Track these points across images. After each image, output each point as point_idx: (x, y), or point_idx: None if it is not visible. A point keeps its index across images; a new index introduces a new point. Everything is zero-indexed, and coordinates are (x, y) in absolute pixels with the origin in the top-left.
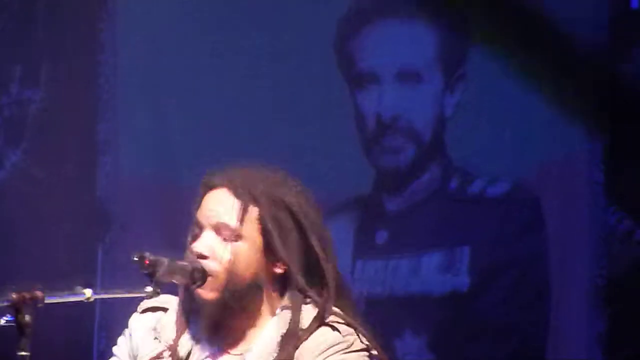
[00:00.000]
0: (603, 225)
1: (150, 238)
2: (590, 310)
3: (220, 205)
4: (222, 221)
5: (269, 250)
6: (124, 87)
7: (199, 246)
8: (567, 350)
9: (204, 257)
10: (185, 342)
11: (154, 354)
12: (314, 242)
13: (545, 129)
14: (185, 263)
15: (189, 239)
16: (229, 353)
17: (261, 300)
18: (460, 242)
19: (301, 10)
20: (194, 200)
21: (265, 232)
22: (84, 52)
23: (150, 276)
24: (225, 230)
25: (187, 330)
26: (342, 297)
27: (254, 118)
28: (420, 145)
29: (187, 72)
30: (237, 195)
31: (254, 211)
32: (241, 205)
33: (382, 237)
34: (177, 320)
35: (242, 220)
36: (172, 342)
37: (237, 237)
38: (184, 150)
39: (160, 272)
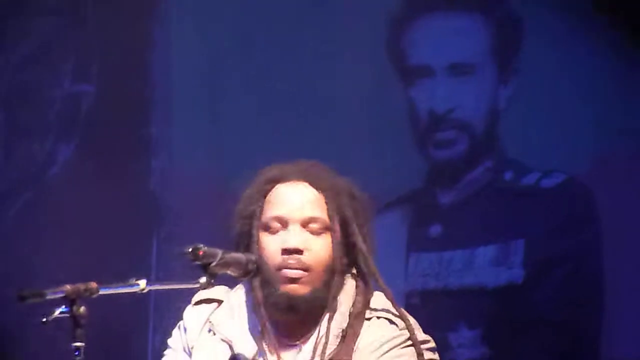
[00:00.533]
0: None
1: (203, 231)
2: None
3: (305, 199)
4: (312, 215)
5: (349, 241)
6: (177, 86)
7: (294, 241)
8: (622, 347)
9: (300, 251)
10: (244, 337)
11: (210, 348)
12: (369, 236)
13: (600, 123)
14: (239, 254)
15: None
16: (287, 345)
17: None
18: (514, 235)
19: (352, 6)
20: (251, 193)
21: (345, 224)
22: (136, 50)
23: (204, 268)
24: (314, 224)
25: (246, 324)
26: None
27: (306, 115)
28: (473, 138)
29: (239, 70)
30: (319, 188)
31: (335, 204)
32: (325, 197)
33: (435, 230)
34: (234, 315)
35: (329, 214)
36: (230, 337)
37: (326, 229)
38: (236, 148)
39: (214, 263)
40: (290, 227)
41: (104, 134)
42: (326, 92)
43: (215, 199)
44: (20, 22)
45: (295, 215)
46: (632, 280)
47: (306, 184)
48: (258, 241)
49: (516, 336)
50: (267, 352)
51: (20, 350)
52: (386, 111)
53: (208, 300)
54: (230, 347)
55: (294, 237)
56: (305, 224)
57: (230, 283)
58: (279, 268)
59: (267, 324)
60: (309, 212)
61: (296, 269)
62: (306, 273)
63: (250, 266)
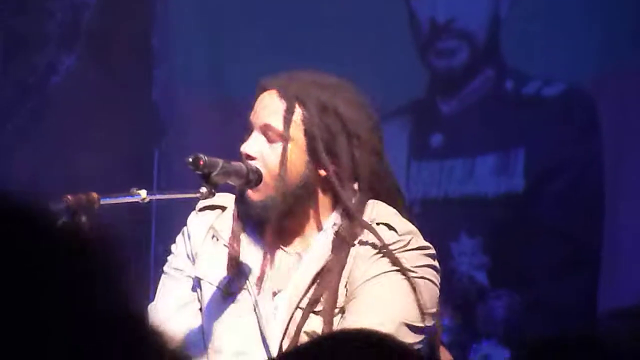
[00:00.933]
0: None
1: (205, 143)
2: None
3: (267, 107)
4: (268, 122)
5: (314, 152)
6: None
7: (246, 147)
8: (622, 258)
9: (251, 158)
10: (243, 242)
11: (213, 254)
12: (357, 148)
13: (603, 32)
14: (240, 164)
15: (244, 143)
16: (285, 252)
17: (313, 202)
18: (515, 144)
19: None
20: (252, 103)
21: (308, 134)
22: None
23: (205, 177)
24: (271, 132)
25: (243, 231)
26: (396, 203)
27: (307, 27)
28: (474, 48)
29: None
30: (283, 97)
31: (299, 113)
32: (286, 107)
33: (436, 139)
34: (233, 220)
35: (287, 122)
36: (232, 243)
37: (282, 138)
38: (240, 60)
39: (215, 172)
40: (253, 133)
41: (105, 44)
42: (327, 3)
43: (216, 110)
44: None
45: (256, 121)
46: (632, 192)
47: (274, 92)
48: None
49: (516, 245)
50: (268, 260)
51: None
52: (389, 21)
53: (212, 207)
54: (232, 254)
55: (247, 144)
56: (264, 132)
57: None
58: None
59: (258, 232)
60: (264, 119)
61: None
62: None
63: (252, 175)
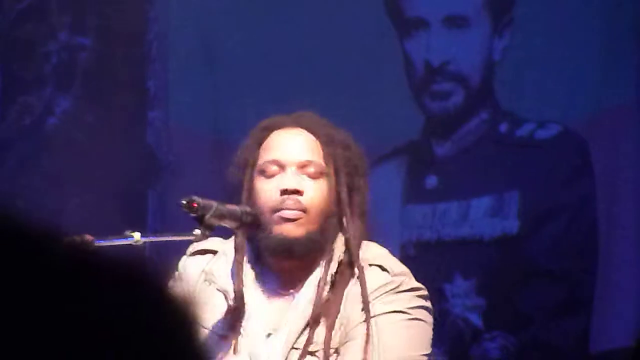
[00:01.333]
0: None
1: (200, 186)
2: (638, 259)
3: (302, 144)
4: (309, 159)
5: (342, 188)
6: (175, 41)
7: (292, 182)
8: (617, 299)
9: (299, 192)
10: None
11: (206, 298)
12: (366, 188)
13: (596, 75)
14: (234, 206)
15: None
16: (280, 294)
17: (329, 240)
18: (509, 186)
19: None
20: (247, 143)
21: (339, 172)
22: (133, 4)
23: (199, 220)
24: (311, 168)
25: (242, 274)
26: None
27: (303, 68)
28: (469, 90)
29: (236, 25)
30: (316, 135)
31: (331, 151)
32: (322, 143)
33: (431, 182)
34: (234, 266)
35: (325, 159)
36: (225, 287)
37: (322, 174)
38: (234, 104)
39: (209, 215)
40: (288, 169)
41: (101, 87)
42: (323, 44)
43: (212, 153)
44: None
45: (292, 158)
46: (625, 234)
47: (302, 130)
48: (254, 187)
49: (511, 287)
50: (262, 301)
51: None
52: (383, 63)
53: (203, 252)
54: (226, 296)
55: (292, 178)
56: (301, 167)
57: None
58: (276, 210)
59: (262, 274)
60: (305, 156)
61: (294, 209)
62: (303, 214)
63: (245, 218)
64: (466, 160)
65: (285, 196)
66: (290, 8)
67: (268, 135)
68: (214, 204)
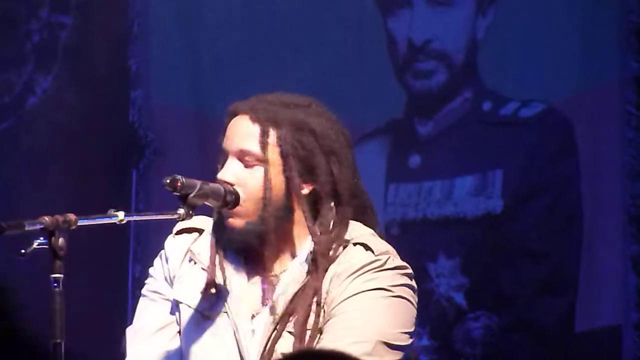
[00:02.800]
0: (636, 152)
1: (183, 164)
2: (623, 238)
3: (241, 132)
4: (243, 147)
5: (292, 172)
6: (156, 19)
7: (224, 174)
8: (602, 278)
9: (230, 184)
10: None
11: (191, 277)
12: (335, 164)
13: (579, 54)
14: (218, 185)
15: (219, 168)
16: (264, 276)
17: (293, 223)
18: (493, 165)
19: None
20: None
21: (284, 155)
22: None
23: (183, 199)
24: (247, 156)
25: (222, 254)
26: (370, 222)
27: (284, 45)
28: (452, 69)
29: (218, 3)
30: (256, 120)
31: (274, 135)
32: (261, 129)
33: (414, 161)
34: (211, 245)
35: (262, 145)
36: (210, 267)
37: (259, 161)
38: (216, 81)
39: (193, 194)
40: (229, 160)
41: (82, 66)
42: (305, 22)
43: (193, 131)
44: None
45: (231, 147)
46: (609, 212)
47: (246, 117)
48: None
49: (494, 266)
50: (247, 282)
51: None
52: (366, 41)
53: (189, 230)
54: (211, 278)
55: (224, 170)
56: (240, 157)
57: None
58: None
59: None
60: (240, 145)
61: None
62: (238, 205)
63: (229, 197)
64: (450, 139)
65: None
66: None
67: (228, 122)
68: (198, 183)
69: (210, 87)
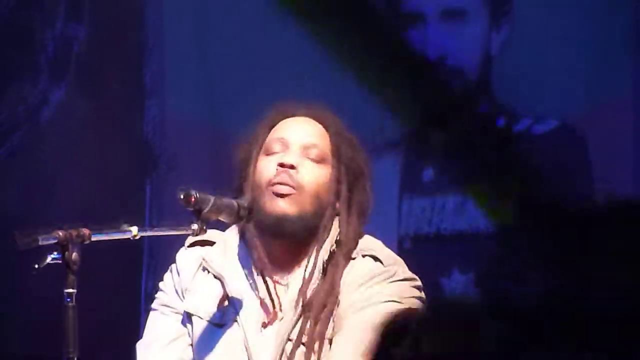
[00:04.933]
0: None
1: (196, 177)
2: None
3: (311, 130)
4: (314, 142)
5: (343, 182)
6: (170, 31)
7: (288, 158)
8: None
9: (293, 167)
10: (233, 275)
11: (203, 286)
12: (369, 188)
13: (592, 70)
14: (231, 200)
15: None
16: (275, 283)
17: (315, 233)
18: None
19: None
20: (260, 124)
21: (344, 165)
22: None
23: (197, 213)
24: (315, 151)
25: (238, 262)
26: None
27: (299, 60)
28: (466, 84)
29: (231, 16)
30: (326, 126)
31: (339, 145)
32: (331, 135)
33: (428, 175)
34: (227, 252)
35: (332, 149)
36: (222, 273)
37: (323, 161)
38: (229, 94)
39: (207, 209)
40: (291, 148)
41: (97, 77)
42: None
43: (208, 145)
44: None
45: (297, 138)
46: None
47: (311, 119)
48: (256, 164)
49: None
50: (258, 288)
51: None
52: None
53: (202, 242)
54: (222, 283)
55: (292, 155)
56: (305, 149)
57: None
58: (271, 184)
59: (257, 264)
60: (310, 139)
61: (286, 184)
62: (296, 191)
63: (242, 212)
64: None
65: (282, 169)
66: (287, 1)
67: (280, 119)
68: (212, 198)
69: (224, 100)
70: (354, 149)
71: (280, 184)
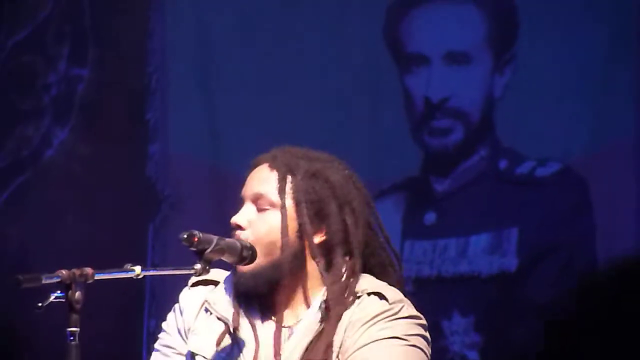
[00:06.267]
0: None
1: (199, 218)
2: None
3: (259, 177)
4: (258, 191)
5: (304, 218)
6: (173, 72)
7: (236, 217)
8: None
9: (240, 227)
10: (236, 316)
11: (207, 328)
12: (348, 215)
13: (595, 113)
14: (234, 241)
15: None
16: (278, 327)
17: (306, 272)
18: (508, 224)
19: None
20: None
21: (297, 201)
22: (132, 37)
23: (199, 254)
24: (261, 200)
25: (239, 305)
26: (389, 278)
27: (302, 102)
28: (469, 127)
29: (234, 57)
30: (275, 168)
31: (289, 182)
32: (278, 175)
33: (430, 218)
34: (228, 296)
35: (279, 189)
36: (226, 315)
37: (273, 206)
38: (232, 134)
39: (210, 249)
40: (245, 204)
41: (100, 119)
42: (322, 78)
43: (210, 185)
44: (15, 6)
45: (247, 192)
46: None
47: (266, 165)
48: None
49: (509, 324)
50: (262, 333)
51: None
52: (384, 99)
53: (205, 282)
54: (226, 325)
55: (238, 214)
56: (255, 201)
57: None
58: None
59: (261, 306)
60: (256, 189)
61: None
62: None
63: (245, 252)
64: (465, 197)
65: (234, 232)
66: (287, 40)
67: (248, 173)
68: (214, 238)
69: (226, 141)
70: (313, 180)
71: None
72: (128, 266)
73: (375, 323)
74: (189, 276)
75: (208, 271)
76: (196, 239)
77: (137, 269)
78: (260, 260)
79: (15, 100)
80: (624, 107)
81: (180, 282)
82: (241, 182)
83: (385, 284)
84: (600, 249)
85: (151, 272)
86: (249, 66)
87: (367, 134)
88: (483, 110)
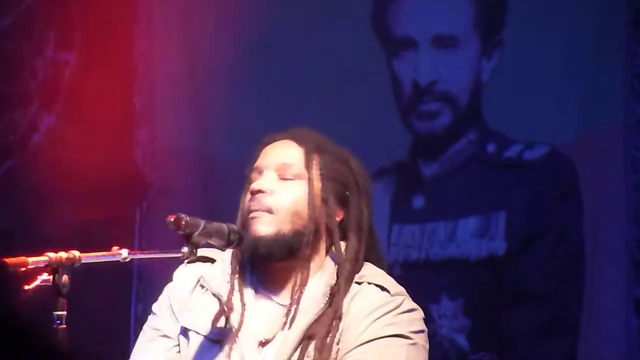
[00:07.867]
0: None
1: (187, 203)
2: (626, 281)
3: (284, 150)
4: (286, 162)
5: (329, 195)
6: (161, 59)
7: (258, 183)
8: (604, 320)
9: (262, 192)
10: (235, 293)
11: (201, 303)
12: (363, 202)
13: (583, 97)
14: (221, 224)
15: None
16: (274, 302)
17: (316, 251)
18: (496, 207)
19: None
20: (249, 162)
21: (325, 178)
22: (118, 21)
23: (187, 237)
24: (287, 170)
25: (237, 281)
26: (380, 264)
27: (289, 88)
28: (457, 110)
29: (222, 44)
30: (301, 144)
31: (316, 159)
32: (305, 151)
33: (418, 202)
34: (230, 272)
35: (305, 164)
36: (220, 292)
37: (298, 177)
38: (220, 121)
39: (197, 233)
40: (264, 173)
41: (87, 103)
42: (310, 63)
43: (197, 170)
44: None
45: (269, 162)
46: (612, 255)
47: (289, 141)
48: (243, 198)
49: (497, 307)
50: (257, 309)
51: None
52: (371, 83)
53: (202, 259)
54: (220, 301)
55: (261, 180)
56: (280, 171)
57: None
58: (248, 212)
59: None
60: (282, 159)
61: (257, 209)
62: (266, 213)
63: (232, 236)
64: (453, 181)
65: (252, 197)
66: (275, 27)
67: (261, 149)
68: (201, 222)
69: (213, 127)
70: (339, 163)
71: (252, 209)
72: (115, 249)
73: (378, 317)
74: (176, 260)
75: (195, 254)
76: (183, 223)
77: (124, 252)
78: (283, 227)
79: (2, 86)
80: (613, 91)
81: (168, 267)
82: (229, 168)
83: (383, 272)
84: (588, 232)
85: (138, 256)
86: (236, 54)
87: (355, 118)
88: (471, 93)
